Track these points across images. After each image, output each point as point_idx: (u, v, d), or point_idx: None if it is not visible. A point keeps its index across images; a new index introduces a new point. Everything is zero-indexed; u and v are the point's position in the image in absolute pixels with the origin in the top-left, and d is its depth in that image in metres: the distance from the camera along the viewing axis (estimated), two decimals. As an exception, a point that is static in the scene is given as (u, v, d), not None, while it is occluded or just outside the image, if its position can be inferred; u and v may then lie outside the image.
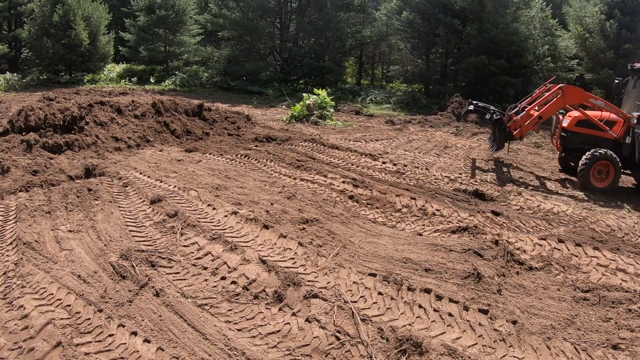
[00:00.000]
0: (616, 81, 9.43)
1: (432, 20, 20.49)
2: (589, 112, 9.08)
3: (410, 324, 3.82)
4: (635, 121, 8.71)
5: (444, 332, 3.75)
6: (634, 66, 9.17)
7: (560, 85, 9.03)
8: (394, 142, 11.55)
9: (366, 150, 10.25)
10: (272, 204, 6.23)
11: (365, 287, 4.29)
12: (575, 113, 9.12)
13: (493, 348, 3.61)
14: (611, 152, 8.55)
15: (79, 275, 4.27)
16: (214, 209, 5.94)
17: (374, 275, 4.48)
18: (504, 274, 4.80)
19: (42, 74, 21.11)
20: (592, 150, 8.52)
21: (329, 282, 4.34)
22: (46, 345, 3.34)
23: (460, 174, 8.66)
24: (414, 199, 6.83)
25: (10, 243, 4.87)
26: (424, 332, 3.71)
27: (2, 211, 5.68)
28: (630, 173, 9.07)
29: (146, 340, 3.46)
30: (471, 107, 10.14)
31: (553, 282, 4.76)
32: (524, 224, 6.36)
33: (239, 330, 3.64)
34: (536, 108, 9.16)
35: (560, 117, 9.57)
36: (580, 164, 8.57)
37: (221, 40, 25.13)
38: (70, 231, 5.21)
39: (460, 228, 5.83)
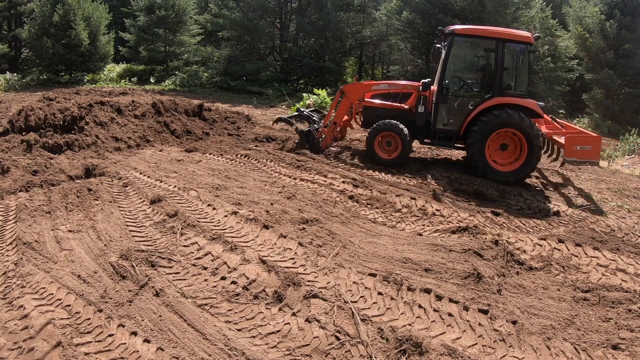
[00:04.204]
0: (437, 46, 8.74)
1: (432, 20, 20.48)
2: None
3: (410, 324, 3.82)
4: (421, 89, 8.75)
5: (444, 332, 3.75)
6: (444, 30, 8.92)
7: (340, 87, 9.36)
8: (394, 142, 11.52)
9: (366, 150, 10.24)
10: (272, 204, 6.23)
11: (365, 287, 4.29)
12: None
13: (493, 348, 3.61)
14: (396, 122, 8.58)
15: (79, 275, 4.27)
16: (214, 209, 5.94)
17: (374, 275, 4.48)
18: (504, 274, 4.80)
19: (42, 74, 21.10)
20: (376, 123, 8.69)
21: (329, 282, 4.34)
22: (46, 345, 3.34)
23: (460, 175, 8.66)
24: (414, 199, 6.83)
25: (10, 243, 4.87)
26: (424, 332, 3.71)
27: (2, 211, 5.67)
28: (431, 142, 9.02)
29: (146, 340, 3.46)
30: (284, 117, 10.12)
31: (553, 282, 4.76)
32: (524, 224, 6.36)
33: (239, 330, 3.64)
34: (332, 114, 9.40)
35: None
36: (367, 137, 8.78)
37: (221, 40, 25.11)
38: (70, 231, 5.21)
39: (460, 228, 5.83)
